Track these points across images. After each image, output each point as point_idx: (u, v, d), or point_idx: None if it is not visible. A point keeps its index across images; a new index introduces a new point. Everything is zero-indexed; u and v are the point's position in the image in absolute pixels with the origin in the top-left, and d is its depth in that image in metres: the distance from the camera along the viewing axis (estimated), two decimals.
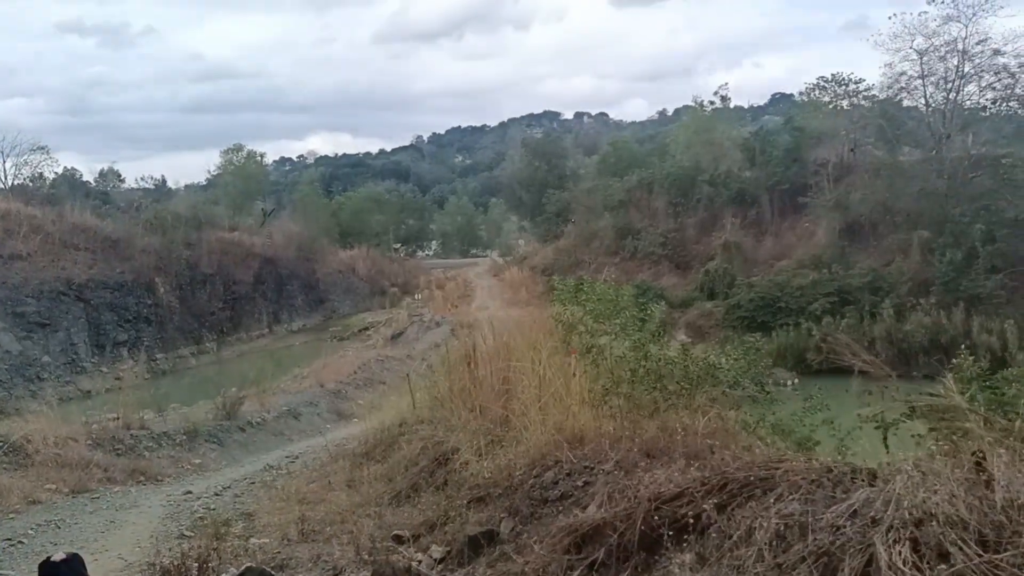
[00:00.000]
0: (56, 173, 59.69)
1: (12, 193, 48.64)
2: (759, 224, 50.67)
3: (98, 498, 10.69)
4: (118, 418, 14.75)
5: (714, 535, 3.08)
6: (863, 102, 51.62)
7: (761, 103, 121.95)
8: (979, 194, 39.81)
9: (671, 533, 3.35)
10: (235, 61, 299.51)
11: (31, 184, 55.64)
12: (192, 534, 7.74)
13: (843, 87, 53.61)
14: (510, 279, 63.22)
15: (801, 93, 55.58)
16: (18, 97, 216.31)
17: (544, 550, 3.83)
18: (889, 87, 48.02)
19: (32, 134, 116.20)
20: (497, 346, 9.20)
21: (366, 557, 5.53)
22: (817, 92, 54.91)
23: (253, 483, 11.46)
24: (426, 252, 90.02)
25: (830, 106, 54.23)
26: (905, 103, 49.58)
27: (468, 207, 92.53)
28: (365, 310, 58.92)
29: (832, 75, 53.13)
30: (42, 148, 54.06)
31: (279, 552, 6.43)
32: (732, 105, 61.75)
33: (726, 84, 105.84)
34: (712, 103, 60.12)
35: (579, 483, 4.71)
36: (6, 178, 52.45)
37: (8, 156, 52.01)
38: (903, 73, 45.64)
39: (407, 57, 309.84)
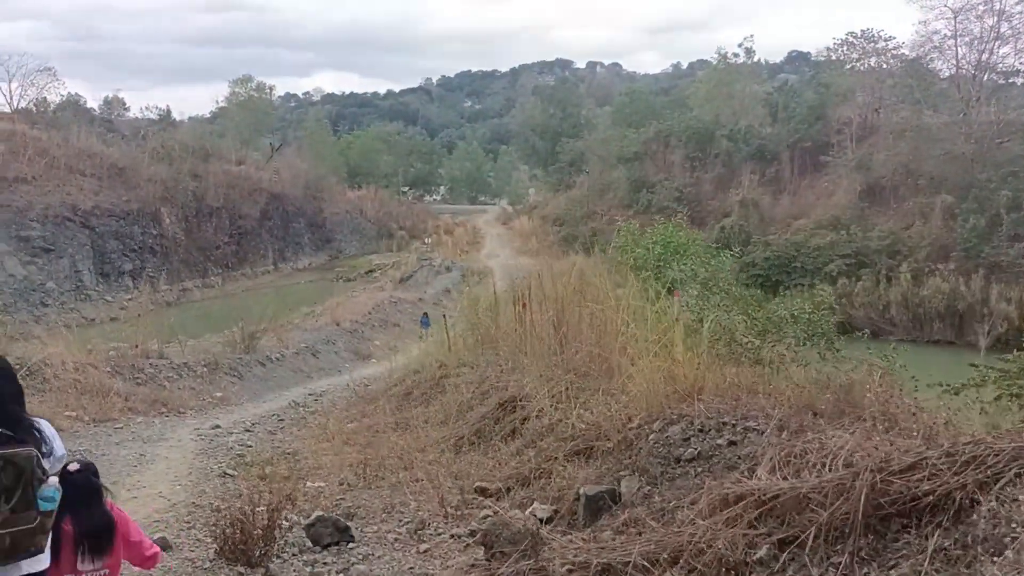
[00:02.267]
0: (62, 96, 58.23)
1: (17, 115, 47.46)
2: (777, 182, 49.71)
3: (121, 428, 10.18)
4: (137, 346, 14.21)
5: (986, 520, 2.48)
6: (892, 60, 50.25)
7: (777, 60, 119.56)
8: (1007, 160, 38.90)
9: (900, 514, 2.76)
10: None
11: (35, 108, 54.26)
12: (236, 473, 7.21)
13: (872, 44, 52.07)
14: (520, 228, 62.53)
15: (828, 48, 53.95)
16: (26, 20, 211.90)
17: (706, 520, 3.24)
18: (921, 46, 46.59)
19: (38, 59, 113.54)
20: (557, 290, 8.57)
21: (452, 511, 4.99)
22: (845, 48, 53.33)
23: (282, 420, 10.96)
24: (434, 197, 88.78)
25: (857, 63, 52.80)
26: (934, 64, 48.24)
27: (478, 153, 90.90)
28: (372, 252, 58.24)
29: (862, 31, 51.58)
30: (48, 69, 52.59)
31: (342, 499, 5.89)
32: (756, 58, 60.01)
33: (751, 36, 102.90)
34: (736, 55, 58.50)
35: (719, 442, 4.12)
36: (11, 99, 51.11)
37: (13, 78, 50.58)
38: (936, 32, 44.22)
39: None
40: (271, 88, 71.03)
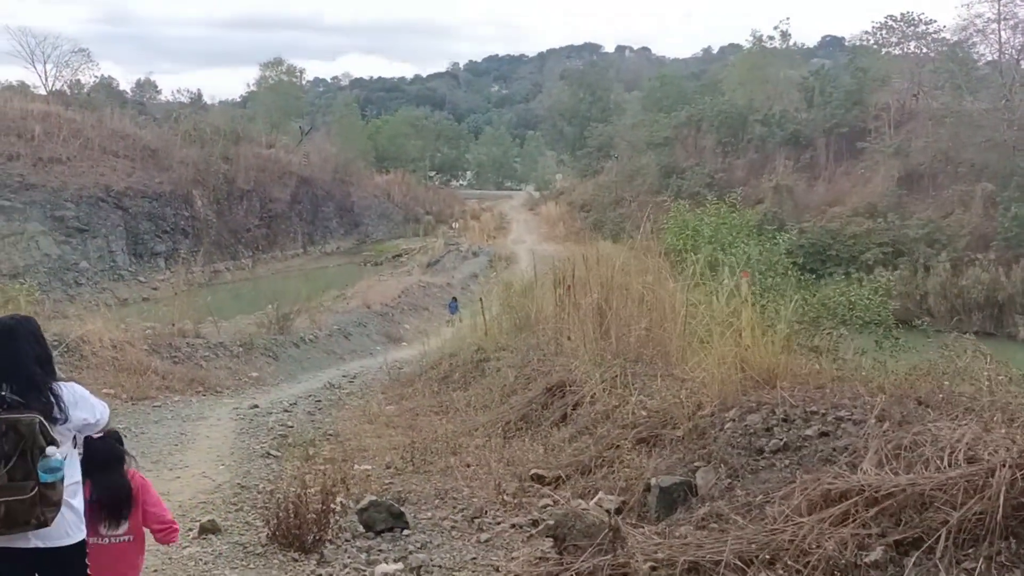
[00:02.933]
0: (96, 77, 58.75)
1: (52, 97, 47.95)
2: (812, 168, 48.83)
3: (160, 407, 10.12)
4: (174, 324, 14.20)
5: None
6: (932, 44, 49.09)
7: (811, 45, 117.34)
8: None
9: None
10: None
11: (69, 90, 54.78)
12: (279, 454, 7.06)
13: (912, 27, 50.82)
14: (547, 214, 62.12)
15: (867, 32, 52.81)
16: (62, 3, 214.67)
17: (807, 518, 2.97)
18: (963, 29, 45.37)
19: (72, 41, 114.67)
20: (601, 272, 8.32)
21: (509, 499, 4.77)
22: (884, 32, 52.11)
23: (319, 401, 10.85)
24: (460, 182, 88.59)
25: (896, 47, 51.61)
26: (976, 48, 47.07)
27: (505, 138, 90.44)
28: (398, 236, 58.26)
29: (901, 14, 50.34)
30: (83, 51, 53.07)
31: (391, 483, 5.67)
32: (792, 42, 58.76)
33: (787, 19, 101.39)
34: (771, 38, 57.38)
35: (808, 432, 3.83)
36: (46, 81, 51.65)
37: (48, 60, 51.10)
38: (979, 15, 43.00)
39: None
40: (301, 71, 71.06)
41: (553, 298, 9.72)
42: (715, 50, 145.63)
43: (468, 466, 5.67)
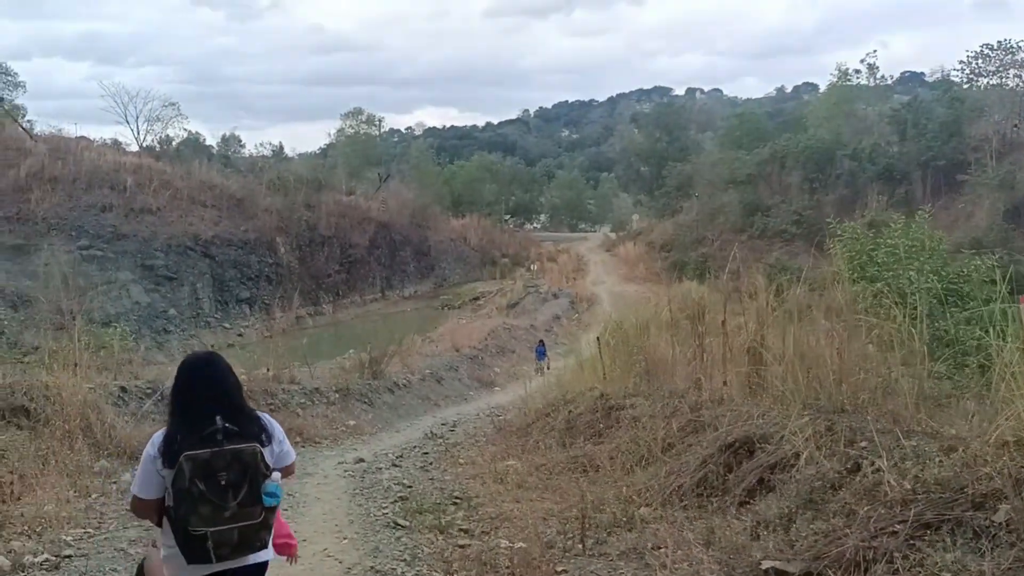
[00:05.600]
0: (185, 132, 61.17)
1: (143, 151, 49.84)
2: (908, 203, 46.44)
3: None
4: (268, 370, 13.60)
5: None
6: None
7: (888, 82, 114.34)
8: None
9: None
10: (353, 34, 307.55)
11: (159, 145, 57.02)
12: (408, 523, 6.04)
13: (1010, 55, 48.50)
14: (625, 254, 61.01)
15: (961, 62, 50.62)
16: (151, 66, 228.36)
17: None
18: None
19: (163, 98, 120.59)
20: (759, 305, 7.20)
21: None
22: (980, 61, 49.91)
23: (427, 453, 9.91)
24: (534, 225, 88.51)
25: (994, 77, 49.35)
26: None
27: (578, 181, 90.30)
28: (475, 280, 57.95)
29: (999, 42, 48.18)
30: (173, 104, 55.30)
31: (564, 571, 4.55)
32: (879, 75, 56.81)
33: (874, 51, 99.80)
34: (858, 72, 55.63)
35: None
36: (138, 136, 53.91)
37: (140, 116, 53.46)
38: None
39: (517, 32, 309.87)
40: (380, 119, 72.46)
41: (691, 337, 8.63)
42: (789, 89, 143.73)
43: (658, 548, 4.51)
